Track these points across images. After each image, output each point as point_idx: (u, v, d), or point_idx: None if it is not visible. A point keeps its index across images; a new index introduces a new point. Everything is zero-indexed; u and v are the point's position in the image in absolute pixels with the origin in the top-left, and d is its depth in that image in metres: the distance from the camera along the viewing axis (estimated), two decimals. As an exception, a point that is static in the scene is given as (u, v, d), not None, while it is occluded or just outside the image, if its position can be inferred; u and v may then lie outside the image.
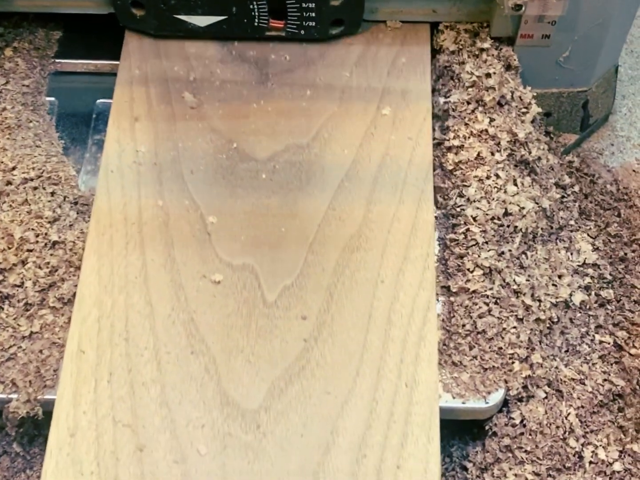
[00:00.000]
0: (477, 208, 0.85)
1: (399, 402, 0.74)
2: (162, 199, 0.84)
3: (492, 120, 0.90)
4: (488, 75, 0.92)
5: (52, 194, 0.87)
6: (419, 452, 0.72)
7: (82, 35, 1.00)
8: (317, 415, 0.74)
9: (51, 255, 0.83)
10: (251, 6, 0.90)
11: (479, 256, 0.83)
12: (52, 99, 0.96)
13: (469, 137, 0.90)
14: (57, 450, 0.72)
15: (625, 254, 0.93)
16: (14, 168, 0.87)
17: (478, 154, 0.88)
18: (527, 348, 0.80)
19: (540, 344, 0.82)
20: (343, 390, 0.75)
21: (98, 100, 0.95)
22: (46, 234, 0.84)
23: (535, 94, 0.94)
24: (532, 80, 0.96)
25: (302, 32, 0.93)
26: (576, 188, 0.98)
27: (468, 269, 0.83)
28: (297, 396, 0.74)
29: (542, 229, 0.88)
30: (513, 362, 0.79)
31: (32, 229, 0.84)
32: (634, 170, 1.02)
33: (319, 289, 0.79)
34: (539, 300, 0.83)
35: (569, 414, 0.82)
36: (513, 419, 0.81)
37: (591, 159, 1.03)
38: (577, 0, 0.88)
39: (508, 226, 0.85)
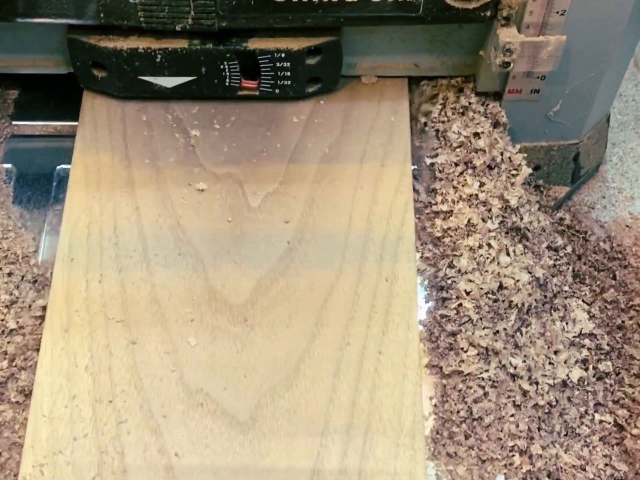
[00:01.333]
0: (470, 281, 0.80)
1: (379, 295, 0.78)
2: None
3: (482, 184, 0.85)
4: (477, 135, 0.87)
5: (10, 274, 0.80)
6: (399, 338, 0.76)
7: (40, 94, 0.93)
8: (302, 308, 0.77)
9: (8, 343, 0.77)
10: (222, 66, 0.84)
11: (473, 334, 0.78)
12: (9, 165, 0.89)
13: (458, 202, 0.84)
14: (51, 345, 0.75)
15: (623, 321, 0.88)
16: (-37, 248, 0.81)
17: (469, 221, 0.83)
18: (527, 438, 0.75)
19: (539, 430, 0.77)
20: (326, 286, 0.78)
21: (59, 166, 0.88)
22: (3, 320, 0.77)
23: (524, 148, 0.89)
24: (520, 134, 0.91)
25: (277, 91, 0.87)
26: (569, 249, 0.93)
27: (462, 348, 0.78)
28: (282, 292, 0.78)
29: (536, 300, 0.83)
30: (513, 455, 0.74)
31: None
32: (627, 226, 0.97)
33: (300, 194, 0.83)
34: (537, 383, 0.78)
35: (570, 505, 0.77)
36: (512, 514, 0.76)
37: (582, 213, 0.98)
38: (568, 54, 0.83)
39: (503, 301, 0.80)
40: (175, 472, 0.70)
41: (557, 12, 0.79)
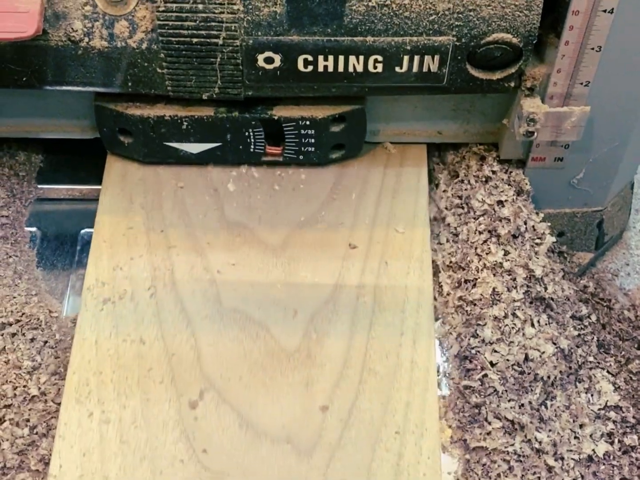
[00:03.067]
0: (495, 352, 0.79)
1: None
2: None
3: (506, 252, 0.84)
4: (500, 203, 0.87)
5: (32, 340, 0.80)
6: None
7: (65, 158, 0.94)
8: None
9: (30, 410, 0.76)
10: (247, 133, 0.85)
11: (498, 406, 0.77)
12: (34, 229, 0.89)
13: (482, 270, 0.84)
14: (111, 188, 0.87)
15: (649, 393, 0.87)
16: (-11, 313, 0.81)
17: (493, 290, 0.83)
18: (553, 515, 0.74)
19: (564, 507, 0.75)
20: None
21: (82, 230, 0.89)
22: (25, 386, 0.77)
23: (547, 214, 0.89)
24: (544, 201, 0.91)
25: (301, 157, 0.88)
26: (593, 318, 0.92)
27: (487, 421, 0.76)
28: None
29: (561, 372, 0.81)
30: (538, 538, 0.72)
31: (10, 382, 0.77)
32: (651, 293, 0.96)
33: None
34: (562, 459, 0.77)
35: None
36: None
37: (606, 281, 0.97)
38: (592, 124, 0.83)
39: (529, 374, 0.78)
40: (217, 285, 0.81)
41: (581, 84, 0.80)
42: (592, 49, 0.77)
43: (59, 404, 0.76)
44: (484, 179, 0.89)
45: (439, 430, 0.75)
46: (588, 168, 0.89)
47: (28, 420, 0.75)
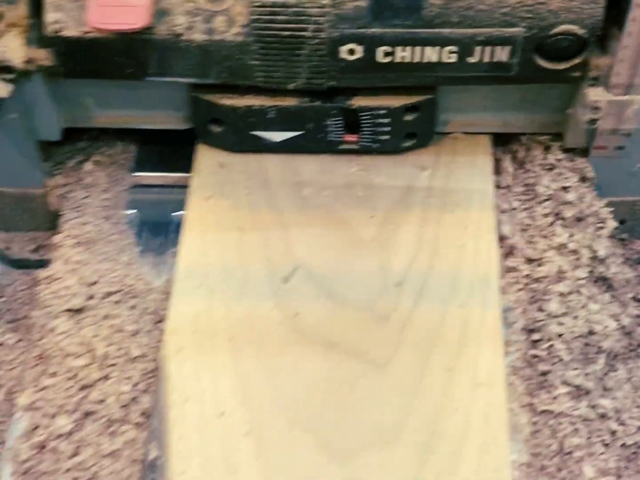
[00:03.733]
0: (561, 324, 0.84)
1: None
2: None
3: (571, 235, 0.90)
4: (565, 188, 0.92)
5: (133, 307, 0.88)
6: None
7: (158, 148, 1.02)
8: None
9: (132, 369, 0.84)
10: (327, 122, 0.92)
11: (564, 373, 0.82)
12: (132, 211, 0.97)
13: (548, 250, 0.89)
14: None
15: None
16: (95, 282, 0.89)
17: (559, 268, 0.88)
18: (615, 475, 0.78)
19: (626, 469, 0.80)
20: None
21: (174, 213, 0.96)
22: (127, 347, 0.85)
23: (609, 202, 0.94)
24: (606, 189, 0.96)
25: (376, 145, 0.94)
26: (652, 300, 0.97)
27: (554, 386, 0.82)
28: None
29: (623, 347, 0.86)
30: (602, 490, 0.77)
31: (114, 343, 0.85)
32: None
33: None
34: (624, 424, 0.81)
35: (659, 539, 0.79)
36: None
37: (666, 267, 1.01)
38: (653, 113, 0.89)
39: (593, 345, 0.83)
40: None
41: (643, 74, 0.85)
42: (654, 39, 0.82)
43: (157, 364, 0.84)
44: (548, 167, 0.95)
45: (499, 294, 0.85)
46: (648, 157, 0.94)
47: (130, 377, 0.83)
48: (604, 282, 0.90)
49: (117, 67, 0.87)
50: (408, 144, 0.95)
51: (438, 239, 0.89)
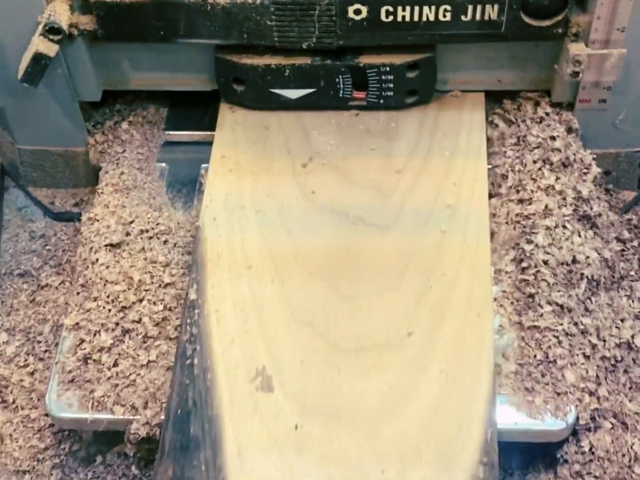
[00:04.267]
0: (547, 253, 0.94)
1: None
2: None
3: (557, 178, 0.99)
4: (553, 138, 1.02)
5: (165, 242, 0.99)
6: None
7: (186, 109, 1.13)
8: None
9: (164, 293, 0.94)
10: (337, 79, 1.03)
11: (549, 295, 0.91)
12: (163, 164, 1.09)
13: (536, 191, 0.99)
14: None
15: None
16: (132, 222, 1.00)
17: (546, 206, 0.98)
18: (595, 383, 0.88)
19: (605, 379, 0.89)
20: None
21: (203, 165, 1.07)
22: (160, 276, 0.95)
23: (595, 155, 1.04)
24: (591, 142, 1.05)
25: (382, 101, 1.05)
26: (635, 242, 1.06)
27: (539, 305, 0.91)
28: None
29: (604, 277, 0.96)
30: (583, 395, 0.86)
31: (148, 272, 0.95)
32: (692, 223, 1.09)
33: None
34: (604, 341, 0.91)
35: (633, 443, 0.88)
36: (582, 447, 0.88)
37: (650, 215, 1.11)
38: (629, 67, 0.98)
39: (575, 272, 0.93)
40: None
41: (618, 29, 0.95)
42: (626, -3, 0.93)
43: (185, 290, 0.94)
44: (538, 119, 1.05)
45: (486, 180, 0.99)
46: (628, 109, 1.04)
47: (163, 300, 0.94)
48: (588, 221, 1.00)
49: (150, 30, 0.98)
50: (411, 100, 1.06)
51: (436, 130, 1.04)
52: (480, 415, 0.82)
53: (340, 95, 1.05)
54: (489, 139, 1.06)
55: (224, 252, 0.95)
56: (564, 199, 0.99)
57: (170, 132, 1.12)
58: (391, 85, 1.03)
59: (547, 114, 1.05)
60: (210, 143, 1.08)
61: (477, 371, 0.85)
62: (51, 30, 0.95)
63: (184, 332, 0.89)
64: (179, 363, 0.87)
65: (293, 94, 1.05)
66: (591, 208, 1.00)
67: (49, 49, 0.96)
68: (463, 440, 0.81)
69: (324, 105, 1.06)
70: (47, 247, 1.13)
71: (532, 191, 1.00)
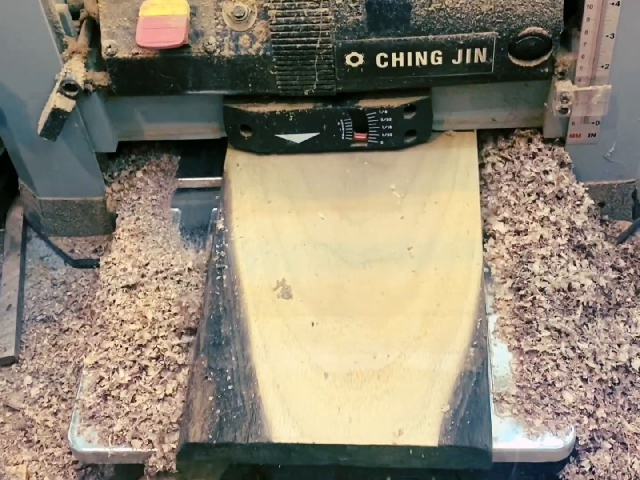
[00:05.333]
0: (544, 280, 0.98)
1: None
2: None
3: (552, 209, 1.04)
4: (546, 172, 1.07)
5: (179, 282, 1.04)
6: None
7: (197, 155, 1.20)
8: None
9: (177, 329, 0.99)
10: (338, 123, 1.08)
11: (547, 320, 0.95)
12: (177, 209, 1.14)
13: (531, 223, 1.03)
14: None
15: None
16: (147, 264, 1.05)
17: (541, 237, 1.02)
18: (593, 405, 0.91)
19: (604, 401, 0.93)
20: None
21: (214, 209, 1.13)
22: (173, 312, 1.00)
23: (588, 187, 1.08)
24: (584, 174, 1.10)
25: (382, 142, 1.11)
26: (631, 270, 1.09)
27: (537, 330, 0.95)
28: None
29: (600, 304, 0.99)
30: (582, 416, 0.90)
31: (161, 310, 1.00)
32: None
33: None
34: (601, 364, 0.94)
35: (633, 463, 0.91)
36: (583, 467, 0.91)
37: (645, 244, 1.14)
38: (616, 102, 1.03)
39: (572, 299, 0.97)
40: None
41: (602, 67, 1.00)
42: (607, 36, 0.98)
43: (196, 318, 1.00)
44: (531, 155, 1.10)
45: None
46: (618, 142, 1.08)
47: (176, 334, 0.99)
48: (582, 250, 1.04)
49: (161, 83, 1.05)
50: (410, 140, 1.11)
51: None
52: (470, 307, 0.96)
53: (343, 137, 1.10)
54: (484, 177, 1.10)
55: (247, 190, 1.09)
56: (559, 229, 1.03)
57: (183, 179, 1.18)
58: (390, 127, 1.08)
59: (539, 149, 1.10)
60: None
61: (468, 273, 0.99)
62: (68, 87, 1.02)
63: (213, 255, 1.03)
64: (210, 280, 1.01)
65: (298, 138, 1.11)
66: (585, 238, 1.04)
67: (66, 104, 1.02)
68: (456, 328, 0.94)
69: (328, 147, 1.12)
70: (68, 293, 1.18)
71: (528, 223, 1.04)
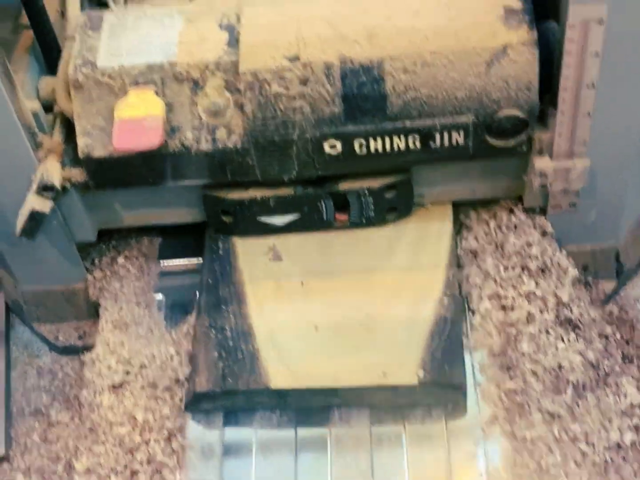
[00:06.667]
0: (535, 361, 0.98)
1: None
2: None
3: (537, 283, 1.04)
4: (529, 244, 1.07)
5: (163, 370, 1.03)
6: None
7: (178, 239, 1.19)
8: None
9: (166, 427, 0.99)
10: (319, 205, 1.08)
11: (538, 402, 0.95)
12: (160, 295, 1.14)
13: (517, 298, 1.04)
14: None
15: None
16: (130, 359, 1.04)
17: (528, 313, 1.02)
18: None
19: (599, 484, 0.93)
20: None
21: (198, 292, 1.12)
22: (161, 410, 1.00)
23: (572, 251, 1.08)
24: (566, 240, 1.10)
25: (364, 220, 1.10)
26: (617, 335, 1.10)
27: (529, 413, 0.95)
28: None
29: (590, 378, 1.00)
30: (579, 501, 0.90)
31: (151, 410, 1.00)
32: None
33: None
34: (593, 446, 0.94)
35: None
36: None
37: (630, 305, 1.14)
38: (594, 173, 1.04)
39: (561, 378, 0.97)
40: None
41: (580, 143, 1.01)
42: (584, 115, 0.98)
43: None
44: (513, 227, 1.10)
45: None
46: (599, 209, 1.09)
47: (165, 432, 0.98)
48: (569, 324, 1.04)
49: (139, 177, 1.04)
50: (391, 216, 1.11)
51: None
52: (443, 262, 1.07)
53: (324, 218, 1.10)
54: (465, 249, 1.10)
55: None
56: (545, 304, 1.04)
57: (165, 262, 1.17)
58: (372, 206, 1.08)
59: (521, 220, 1.10)
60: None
61: (440, 238, 1.10)
62: (45, 188, 1.01)
63: (210, 232, 1.13)
64: (207, 256, 1.12)
65: (279, 220, 1.10)
66: (571, 311, 1.04)
67: (44, 205, 1.01)
68: (432, 281, 1.06)
69: (310, 228, 1.11)
70: (55, 383, 1.17)
71: (514, 298, 1.04)
